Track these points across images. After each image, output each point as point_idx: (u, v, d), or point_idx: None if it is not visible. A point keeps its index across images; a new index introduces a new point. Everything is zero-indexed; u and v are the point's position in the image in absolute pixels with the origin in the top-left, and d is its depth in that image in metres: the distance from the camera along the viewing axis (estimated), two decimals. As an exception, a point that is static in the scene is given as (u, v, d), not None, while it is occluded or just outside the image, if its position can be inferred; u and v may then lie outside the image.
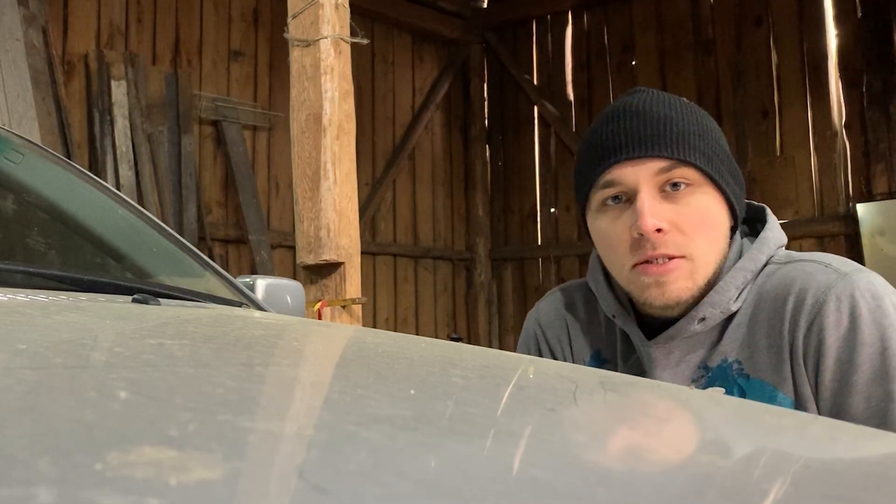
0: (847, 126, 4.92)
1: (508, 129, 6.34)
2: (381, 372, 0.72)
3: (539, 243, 6.12)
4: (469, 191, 6.38)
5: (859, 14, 4.90)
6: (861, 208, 4.75)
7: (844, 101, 4.94)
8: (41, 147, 1.61)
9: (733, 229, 1.05)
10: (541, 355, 1.20)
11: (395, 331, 4.44)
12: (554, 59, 6.13)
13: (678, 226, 0.98)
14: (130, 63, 4.43)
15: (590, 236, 1.10)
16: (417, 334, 3.51)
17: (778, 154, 5.09)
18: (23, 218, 1.53)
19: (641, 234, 0.97)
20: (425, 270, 6.08)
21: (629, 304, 1.09)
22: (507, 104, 6.35)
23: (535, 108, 6.17)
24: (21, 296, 0.93)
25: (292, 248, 4.05)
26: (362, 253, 2.79)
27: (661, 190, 0.99)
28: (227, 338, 0.85)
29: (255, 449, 0.41)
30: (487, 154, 6.44)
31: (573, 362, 1.16)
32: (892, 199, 4.69)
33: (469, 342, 5.83)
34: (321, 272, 2.68)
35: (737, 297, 1.01)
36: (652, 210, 0.97)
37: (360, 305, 2.69)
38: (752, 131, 5.20)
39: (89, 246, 1.57)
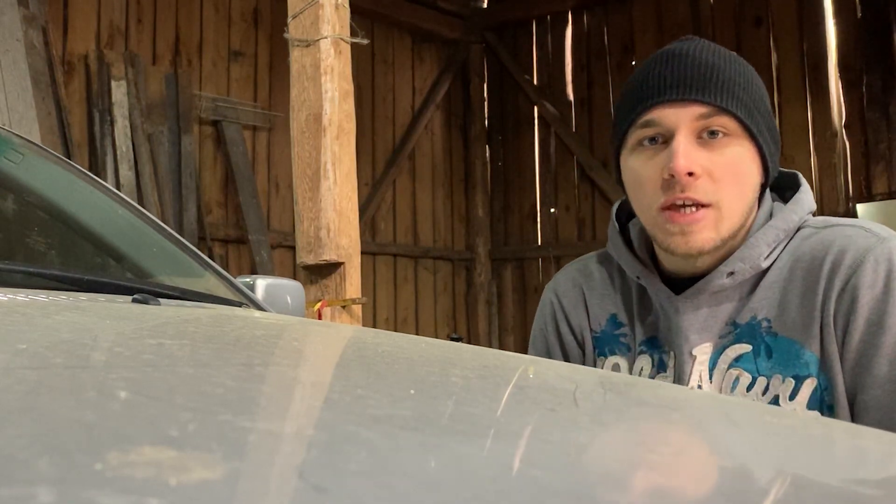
0: (847, 126, 4.92)
1: (508, 129, 6.34)
2: (381, 372, 0.72)
3: (539, 243, 6.12)
4: (469, 191, 6.38)
5: (859, 14, 4.90)
6: (861, 208, 4.75)
7: (844, 101, 4.94)
8: (41, 147, 1.61)
9: (764, 187, 1.05)
10: (556, 324, 1.22)
11: (395, 331, 4.44)
12: (554, 59, 6.13)
13: (710, 173, 0.98)
14: (130, 63, 4.43)
15: (621, 183, 1.11)
16: (417, 334, 3.51)
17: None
18: (23, 218, 1.53)
19: (673, 176, 0.98)
20: (425, 270, 6.08)
21: (652, 265, 1.10)
22: (507, 104, 6.35)
23: (535, 108, 6.17)
24: (21, 296, 0.93)
25: (292, 248, 4.05)
26: (362, 253, 2.79)
27: (699, 136, 0.99)
28: (227, 338, 0.85)
29: (255, 449, 0.41)
30: (487, 154, 6.44)
31: (589, 327, 1.17)
32: (892, 199, 4.69)
33: (469, 342, 5.83)
34: (321, 272, 2.68)
35: (767, 255, 1.02)
36: (686, 153, 0.97)
37: (360, 305, 2.70)
38: (752, 131, 5.20)
39: (89, 246, 1.57)
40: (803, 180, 1.09)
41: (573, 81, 6.03)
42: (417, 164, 6.11)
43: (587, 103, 5.95)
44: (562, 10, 6.06)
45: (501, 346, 6.10)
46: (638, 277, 1.10)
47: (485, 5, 6.43)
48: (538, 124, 6.18)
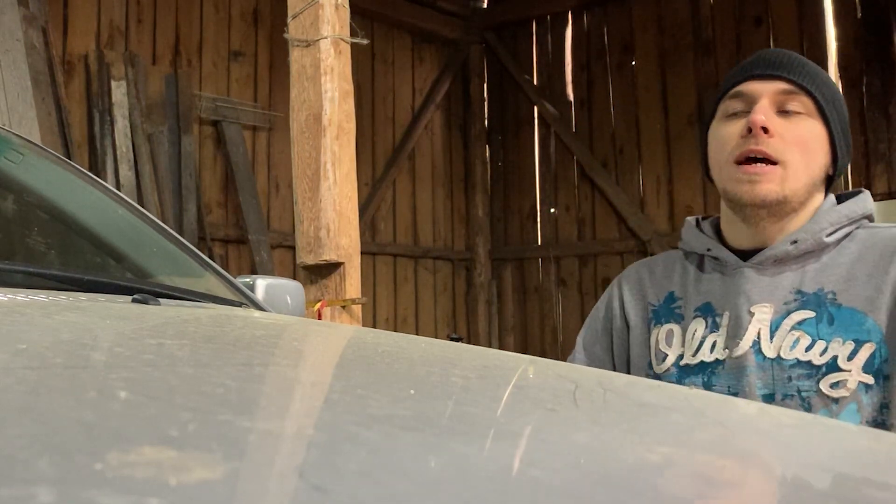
0: (847, 126, 4.92)
1: (508, 129, 6.34)
2: (381, 372, 0.72)
3: (539, 243, 6.12)
4: (469, 191, 6.38)
5: (859, 14, 4.90)
6: (861, 208, 4.75)
7: (844, 101, 4.94)
8: (41, 147, 1.61)
9: (830, 178, 1.18)
10: (611, 301, 1.36)
11: (395, 331, 4.44)
12: (554, 59, 6.13)
13: (782, 136, 1.10)
14: (130, 63, 4.43)
15: (705, 166, 1.22)
16: (417, 334, 3.51)
17: (778, 154, 5.09)
18: (23, 218, 1.53)
19: (750, 131, 1.10)
20: (425, 270, 6.07)
21: (718, 240, 1.21)
22: (507, 104, 6.35)
23: (535, 108, 6.17)
24: (21, 296, 0.93)
25: (292, 248, 4.05)
26: (362, 253, 2.79)
27: (779, 109, 1.12)
28: (227, 338, 0.85)
29: (255, 449, 0.41)
30: (487, 154, 6.44)
31: (644, 303, 1.30)
32: (892, 199, 4.69)
33: (469, 342, 5.83)
34: (321, 272, 2.68)
35: (830, 233, 1.13)
36: (766, 113, 1.10)
37: (360, 305, 2.69)
38: (752, 131, 5.20)
39: (89, 246, 1.57)
40: (866, 192, 1.21)
41: (573, 81, 6.03)
42: (417, 164, 6.11)
43: (587, 103, 5.95)
44: (562, 10, 6.06)
45: (501, 346, 6.10)
46: (708, 250, 1.21)
47: (485, 5, 6.43)
48: (538, 124, 6.18)
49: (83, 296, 1.02)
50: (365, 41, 2.84)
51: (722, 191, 1.17)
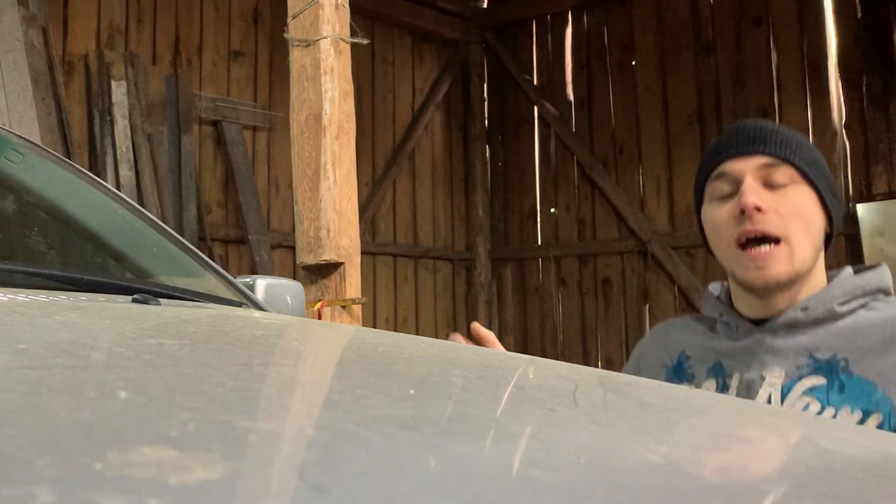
0: (847, 126, 4.92)
1: (508, 129, 6.34)
2: (381, 372, 0.72)
3: (539, 243, 6.12)
4: (469, 191, 6.38)
5: (859, 14, 4.90)
6: (861, 208, 4.75)
7: (844, 101, 4.94)
8: (41, 147, 1.61)
9: (829, 238, 1.18)
10: (636, 366, 1.36)
11: (395, 331, 4.44)
12: (554, 59, 6.13)
13: (777, 210, 1.10)
14: (130, 63, 4.43)
15: (705, 241, 1.24)
16: (417, 334, 3.51)
17: (778, 154, 5.09)
18: (23, 218, 1.53)
19: (743, 212, 1.10)
20: (425, 270, 6.07)
21: (731, 306, 1.23)
22: (507, 104, 6.35)
23: (535, 108, 6.17)
24: (21, 296, 0.93)
25: (292, 248, 4.05)
26: (362, 253, 2.79)
27: (765, 184, 1.12)
28: (227, 338, 0.85)
29: (255, 449, 0.41)
30: (487, 154, 6.43)
31: (660, 364, 1.30)
32: (892, 199, 4.69)
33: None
34: (321, 272, 2.68)
35: (842, 302, 1.13)
36: (755, 191, 1.11)
37: (360, 305, 2.69)
38: (752, 131, 5.20)
39: (89, 246, 1.57)
40: (885, 266, 1.20)
41: (573, 81, 6.03)
42: (417, 164, 6.11)
43: (587, 103, 5.94)
44: (562, 10, 6.05)
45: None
46: (720, 314, 1.22)
47: (485, 5, 6.43)
48: (538, 124, 6.17)
49: (83, 296, 1.02)
50: (365, 41, 2.84)
51: (730, 272, 1.18)
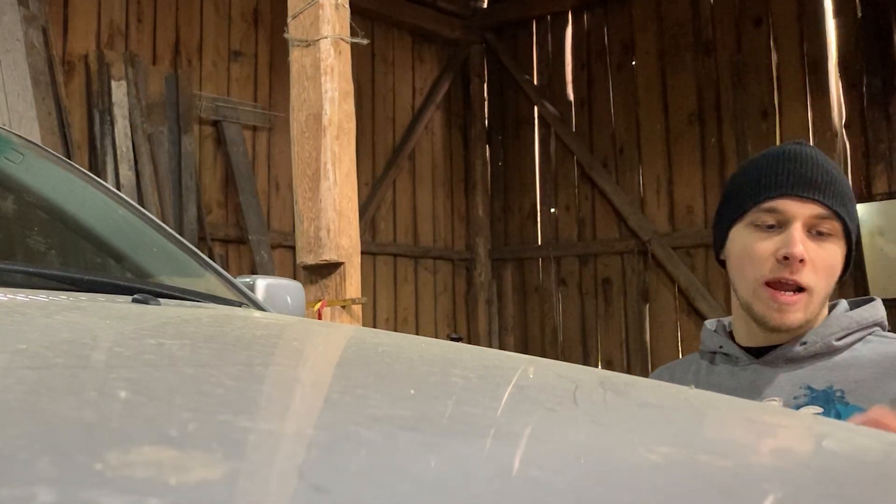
0: (847, 126, 4.92)
1: (508, 129, 6.34)
2: (381, 372, 0.72)
3: (539, 243, 6.12)
4: (469, 191, 6.38)
5: (859, 14, 4.90)
6: (861, 208, 4.74)
7: (844, 101, 4.94)
8: (41, 147, 1.61)
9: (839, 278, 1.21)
10: None
11: (395, 331, 4.44)
12: (554, 59, 6.13)
13: (814, 263, 1.14)
14: (130, 63, 4.43)
15: (718, 256, 1.26)
16: (417, 334, 3.51)
17: (778, 154, 5.08)
18: (23, 218, 1.53)
19: (786, 258, 1.13)
20: (425, 270, 6.07)
21: (731, 337, 1.26)
22: (507, 104, 6.35)
23: (535, 108, 6.17)
24: (21, 296, 0.93)
25: (292, 248, 4.05)
26: (362, 253, 2.79)
27: (809, 230, 1.15)
28: (227, 338, 0.85)
29: (255, 449, 0.41)
30: (487, 154, 6.44)
31: None
32: (892, 199, 4.69)
33: (469, 342, 5.83)
34: (321, 272, 2.68)
35: (839, 338, 1.16)
36: (803, 241, 1.13)
37: (360, 305, 2.69)
38: (752, 131, 5.20)
39: (89, 246, 1.57)
40: (878, 300, 1.24)
41: (573, 81, 6.03)
42: (417, 164, 6.11)
43: (587, 103, 5.94)
44: (562, 10, 6.06)
45: (501, 346, 6.10)
46: (720, 346, 1.25)
47: (485, 5, 6.43)
48: (538, 124, 6.18)
49: (83, 296, 1.02)
50: (365, 41, 2.84)
51: (745, 303, 1.19)
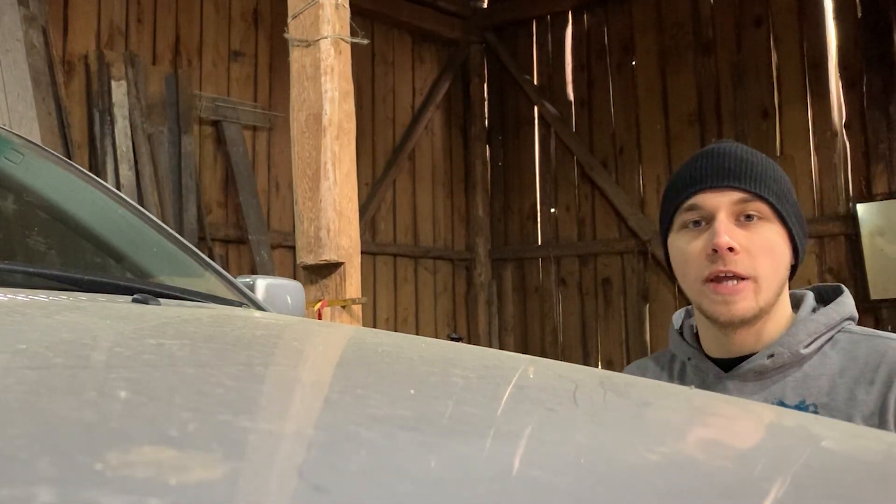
0: (847, 126, 4.92)
1: (508, 129, 6.34)
2: (381, 372, 0.72)
3: (539, 243, 6.12)
4: (469, 191, 6.38)
5: (859, 14, 4.90)
6: (861, 208, 4.75)
7: (844, 101, 4.94)
8: (41, 147, 1.61)
9: (794, 269, 1.18)
10: None
11: (395, 331, 4.44)
12: (554, 59, 6.13)
13: (748, 249, 1.12)
14: (130, 63, 4.43)
15: (668, 264, 1.24)
16: (417, 334, 3.51)
17: (778, 154, 5.09)
18: (23, 218, 1.53)
19: (715, 251, 1.11)
20: (425, 270, 6.07)
21: (699, 349, 1.23)
22: (507, 104, 6.35)
23: (535, 108, 6.17)
24: (21, 296, 0.93)
25: (292, 248, 4.04)
26: (362, 253, 2.79)
27: (737, 218, 1.13)
28: (227, 338, 0.85)
29: (255, 449, 0.41)
30: (487, 154, 6.44)
31: None
32: (892, 199, 4.69)
33: (469, 342, 5.83)
34: (321, 272, 2.68)
35: (807, 344, 1.13)
36: (728, 230, 1.12)
37: (360, 305, 2.69)
38: (752, 131, 5.20)
39: (89, 246, 1.57)
40: (846, 290, 1.21)
41: (573, 81, 6.03)
42: (417, 164, 6.11)
43: (587, 103, 5.95)
44: (562, 10, 6.06)
45: (501, 346, 6.10)
46: (689, 358, 1.23)
47: (485, 5, 6.43)
48: (538, 124, 6.18)
49: (83, 296, 1.02)
50: (365, 41, 2.84)
51: (696, 305, 1.18)
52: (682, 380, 1.24)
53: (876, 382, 1.09)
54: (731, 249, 1.11)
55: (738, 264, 1.11)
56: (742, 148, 1.19)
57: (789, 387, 1.13)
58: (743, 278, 1.11)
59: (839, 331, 1.15)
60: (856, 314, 1.18)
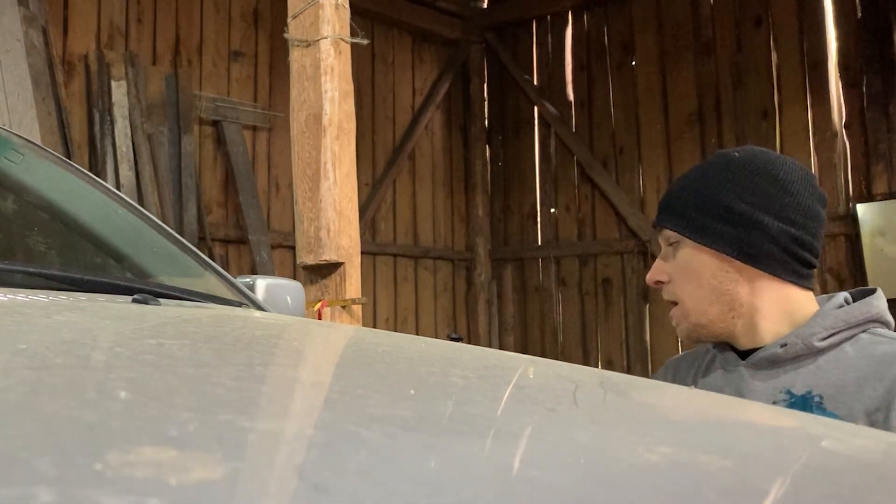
0: (847, 126, 4.92)
1: (508, 129, 6.34)
2: (381, 372, 0.72)
3: (539, 243, 6.12)
4: (469, 191, 6.38)
5: (859, 14, 4.90)
6: (861, 208, 4.75)
7: (844, 101, 4.94)
8: (41, 147, 1.61)
9: (777, 270, 1.17)
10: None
11: (395, 331, 4.44)
12: (554, 59, 6.13)
13: (672, 276, 1.22)
14: (130, 63, 4.43)
15: None
16: (417, 334, 3.51)
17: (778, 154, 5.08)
18: (23, 218, 1.53)
19: None
20: (425, 270, 6.07)
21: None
22: (507, 104, 6.35)
23: (535, 108, 6.17)
24: (21, 296, 0.93)
25: (292, 248, 4.04)
26: (362, 253, 2.79)
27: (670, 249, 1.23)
28: (227, 338, 0.85)
29: (255, 449, 0.41)
30: (487, 154, 6.44)
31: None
32: (892, 199, 4.69)
33: (469, 342, 5.83)
34: (321, 272, 2.68)
35: (823, 338, 1.14)
36: (655, 267, 1.25)
37: (360, 305, 2.69)
38: (752, 131, 5.20)
39: (89, 246, 1.57)
40: (879, 292, 1.20)
41: (573, 81, 6.03)
42: (417, 164, 6.11)
43: (587, 103, 5.95)
44: (562, 10, 6.06)
45: (501, 346, 6.10)
46: (714, 346, 1.29)
47: (485, 5, 6.43)
48: (538, 124, 6.18)
49: (83, 296, 1.02)
50: (365, 41, 2.84)
51: None
52: (710, 368, 1.29)
53: (885, 379, 1.09)
54: (659, 283, 1.23)
55: (665, 293, 1.24)
56: (685, 173, 1.25)
57: (800, 377, 1.14)
58: (674, 303, 1.22)
59: (864, 331, 1.15)
60: (888, 318, 1.17)
